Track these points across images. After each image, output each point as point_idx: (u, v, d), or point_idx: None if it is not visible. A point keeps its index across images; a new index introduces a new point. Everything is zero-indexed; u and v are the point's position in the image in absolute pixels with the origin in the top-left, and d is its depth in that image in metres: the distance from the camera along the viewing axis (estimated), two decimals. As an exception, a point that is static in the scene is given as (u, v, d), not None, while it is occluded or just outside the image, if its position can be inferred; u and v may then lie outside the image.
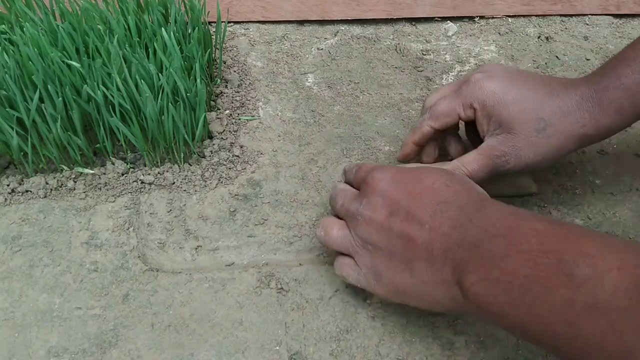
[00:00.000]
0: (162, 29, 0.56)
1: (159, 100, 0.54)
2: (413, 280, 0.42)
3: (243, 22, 0.75)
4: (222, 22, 0.65)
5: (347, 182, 0.49)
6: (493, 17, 0.77)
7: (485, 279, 0.36)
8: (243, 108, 0.64)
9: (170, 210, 0.55)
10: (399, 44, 0.73)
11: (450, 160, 0.52)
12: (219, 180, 0.57)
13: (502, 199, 0.56)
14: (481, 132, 0.51)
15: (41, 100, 0.53)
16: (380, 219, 0.43)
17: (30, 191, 0.55)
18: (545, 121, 0.47)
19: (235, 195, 0.56)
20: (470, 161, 0.50)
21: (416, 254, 0.41)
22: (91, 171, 0.56)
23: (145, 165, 0.58)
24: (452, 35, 0.75)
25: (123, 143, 0.57)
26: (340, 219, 0.47)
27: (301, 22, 0.75)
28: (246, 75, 0.68)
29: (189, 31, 0.63)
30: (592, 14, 0.78)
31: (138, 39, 0.59)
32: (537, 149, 0.48)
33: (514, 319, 0.35)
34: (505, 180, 0.55)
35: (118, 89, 0.53)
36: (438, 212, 0.41)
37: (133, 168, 0.58)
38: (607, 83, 0.47)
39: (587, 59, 0.72)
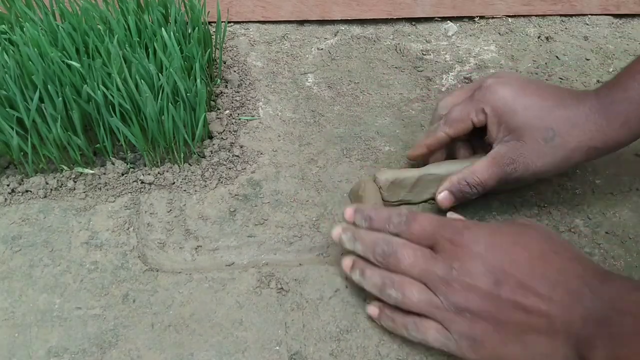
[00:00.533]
0: (162, 29, 0.56)
1: (159, 100, 0.54)
2: (526, 352, 0.40)
3: (243, 22, 0.75)
4: (222, 22, 0.66)
5: (377, 229, 0.46)
6: (493, 17, 0.77)
7: (613, 356, 0.36)
8: (243, 108, 0.64)
9: (170, 210, 0.55)
10: (399, 44, 0.73)
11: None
12: (219, 180, 0.57)
13: (503, 196, 0.56)
14: (490, 138, 0.51)
15: (41, 100, 0.53)
16: (484, 287, 0.40)
17: (30, 191, 0.55)
18: (553, 131, 0.47)
19: (235, 195, 0.56)
20: (482, 170, 0.49)
21: (533, 326, 0.39)
22: (91, 171, 0.56)
23: (145, 165, 0.58)
24: (452, 35, 0.75)
25: (123, 143, 0.57)
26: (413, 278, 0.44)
27: (301, 22, 0.75)
28: (246, 75, 0.68)
29: (189, 31, 0.63)
30: (592, 14, 0.78)
31: (138, 39, 0.59)
32: (545, 158, 0.48)
33: None
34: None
35: (118, 89, 0.53)
36: (556, 283, 0.40)
37: (133, 168, 0.58)
38: (614, 96, 0.47)
39: (587, 59, 0.72)
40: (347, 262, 0.47)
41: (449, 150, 0.56)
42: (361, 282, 0.46)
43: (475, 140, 0.55)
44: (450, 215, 0.48)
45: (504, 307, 0.40)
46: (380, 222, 0.46)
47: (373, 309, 0.46)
